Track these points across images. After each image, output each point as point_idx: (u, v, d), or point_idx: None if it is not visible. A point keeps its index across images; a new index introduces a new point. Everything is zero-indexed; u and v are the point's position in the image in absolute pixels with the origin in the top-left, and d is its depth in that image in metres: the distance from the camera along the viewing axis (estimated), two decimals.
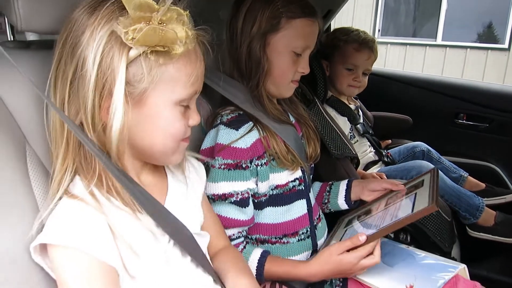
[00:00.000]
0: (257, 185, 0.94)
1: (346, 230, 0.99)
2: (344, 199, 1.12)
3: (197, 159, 0.85)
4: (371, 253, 0.85)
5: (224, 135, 0.90)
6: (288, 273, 0.91)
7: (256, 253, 0.92)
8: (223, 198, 0.89)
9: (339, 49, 1.60)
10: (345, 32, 1.62)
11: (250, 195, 0.93)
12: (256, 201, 0.96)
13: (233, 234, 0.93)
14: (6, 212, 0.62)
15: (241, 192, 0.90)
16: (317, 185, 1.19)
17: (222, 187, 0.89)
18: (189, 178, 0.80)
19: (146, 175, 0.73)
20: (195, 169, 0.83)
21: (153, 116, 0.63)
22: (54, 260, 0.58)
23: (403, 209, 0.89)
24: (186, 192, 0.77)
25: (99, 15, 0.58)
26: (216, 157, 0.89)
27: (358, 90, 1.65)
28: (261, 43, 0.92)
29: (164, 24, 0.58)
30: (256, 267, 0.90)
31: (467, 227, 1.54)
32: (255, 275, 0.89)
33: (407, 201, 0.93)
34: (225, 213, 0.91)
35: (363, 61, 1.59)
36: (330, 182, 1.18)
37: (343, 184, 1.14)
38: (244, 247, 0.93)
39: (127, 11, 0.56)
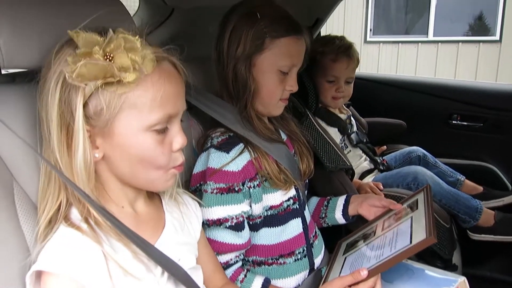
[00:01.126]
0: (251, 207, 0.93)
1: (345, 258, 0.97)
2: (341, 213, 1.11)
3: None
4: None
5: (215, 159, 0.89)
6: None
7: (257, 282, 0.91)
8: (217, 223, 0.88)
9: (317, 62, 1.56)
10: (321, 43, 1.58)
11: (245, 218, 0.92)
12: (251, 223, 0.95)
13: (231, 259, 0.92)
14: None
15: (235, 216, 0.89)
16: (314, 200, 1.18)
17: (216, 212, 0.88)
18: (186, 211, 0.79)
19: (142, 204, 0.72)
20: (191, 206, 0.82)
21: (124, 145, 0.63)
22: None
23: (401, 237, 0.87)
24: (182, 226, 0.77)
25: (61, 55, 0.60)
26: (208, 182, 0.88)
27: (343, 100, 1.62)
28: (246, 64, 0.91)
29: (111, 55, 0.58)
30: None
31: (468, 231, 1.53)
32: None
33: (404, 227, 0.91)
34: (221, 238, 0.89)
35: (343, 71, 1.55)
36: (329, 197, 1.16)
37: (341, 199, 1.13)
38: (245, 275, 0.92)
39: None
